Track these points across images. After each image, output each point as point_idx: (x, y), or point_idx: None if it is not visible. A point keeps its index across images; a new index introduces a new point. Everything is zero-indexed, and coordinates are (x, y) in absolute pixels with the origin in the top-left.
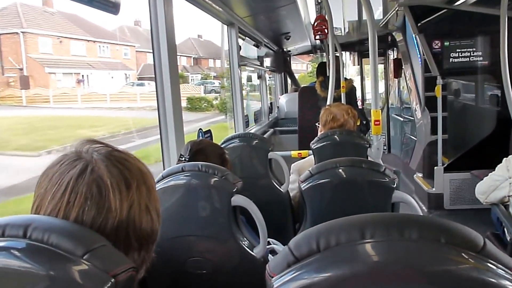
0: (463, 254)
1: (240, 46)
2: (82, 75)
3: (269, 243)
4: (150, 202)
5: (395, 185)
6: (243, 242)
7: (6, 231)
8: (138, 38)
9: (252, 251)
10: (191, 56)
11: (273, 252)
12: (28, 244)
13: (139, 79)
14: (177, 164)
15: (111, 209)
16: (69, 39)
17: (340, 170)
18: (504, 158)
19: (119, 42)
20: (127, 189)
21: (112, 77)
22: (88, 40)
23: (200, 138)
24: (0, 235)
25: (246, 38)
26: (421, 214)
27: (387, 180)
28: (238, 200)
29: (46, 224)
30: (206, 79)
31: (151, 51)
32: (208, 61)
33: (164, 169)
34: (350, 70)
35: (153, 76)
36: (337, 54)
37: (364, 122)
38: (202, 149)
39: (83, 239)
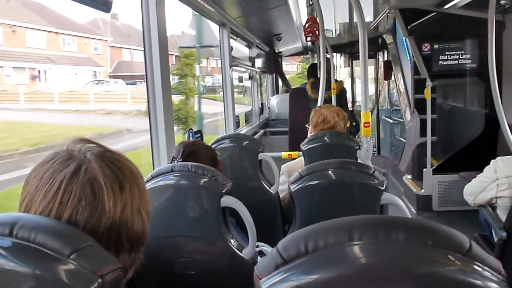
0: (449, 256)
1: (232, 47)
2: (39, 71)
3: (257, 246)
4: (142, 204)
5: (384, 187)
6: (232, 243)
7: None
8: (114, 33)
9: (241, 252)
10: (173, 54)
11: (262, 253)
12: (14, 242)
13: (112, 77)
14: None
15: (105, 210)
16: (25, 28)
17: (330, 172)
18: (492, 160)
19: (88, 35)
20: (120, 191)
21: (76, 74)
22: (50, 31)
23: (192, 139)
24: None
25: (238, 38)
26: (409, 216)
27: (376, 182)
28: (228, 201)
29: (32, 222)
30: None
31: (127, 46)
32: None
33: (153, 169)
34: (342, 72)
35: (128, 74)
36: (328, 56)
37: (354, 124)
38: (195, 152)
39: (70, 238)
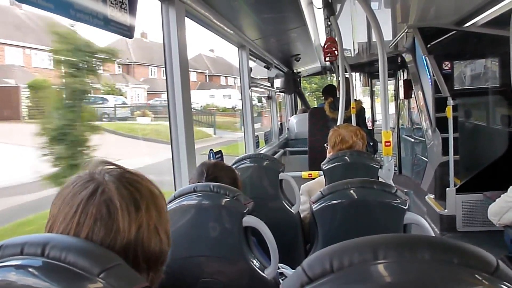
0: (476, 275)
1: (251, 68)
2: None
3: (278, 268)
4: (160, 224)
5: (406, 207)
6: (254, 263)
7: (24, 249)
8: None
9: (263, 272)
10: (204, 73)
11: (282, 275)
12: (46, 262)
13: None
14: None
15: (119, 230)
16: None
17: (352, 191)
18: None
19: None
20: (136, 211)
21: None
22: None
23: (211, 160)
24: (18, 253)
25: (257, 60)
26: (433, 235)
27: (399, 201)
28: (249, 220)
29: (63, 242)
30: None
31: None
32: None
33: (175, 190)
34: (357, 91)
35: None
36: (347, 76)
37: (371, 143)
38: (218, 177)
39: (99, 258)
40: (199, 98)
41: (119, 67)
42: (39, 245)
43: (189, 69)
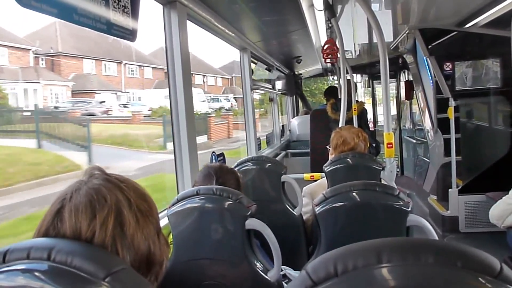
0: (480, 278)
1: (252, 70)
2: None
3: (281, 270)
4: (121, 237)
5: (409, 209)
6: (257, 266)
7: (31, 253)
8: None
9: (267, 275)
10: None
11: (285, 276)
12: (52, 266)
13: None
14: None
15: (67, 235)
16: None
17: (354, 194)
18: None
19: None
20: (90, 220)
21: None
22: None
23: (215, 163)
24: (25, 257)
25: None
26: (437, 238)
27: (402, 203)
28: (252, 223)
29: (69, 247)
30: None
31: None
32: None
33: (178, 193)
34: (359, 92)
35: None
36: (348, 77)
37: (374, 145)
38: (225, 182)
39: (105, 262)
40: (150, 99)
41: (41, 59)
42: (45, 249)
43: (145, 64)
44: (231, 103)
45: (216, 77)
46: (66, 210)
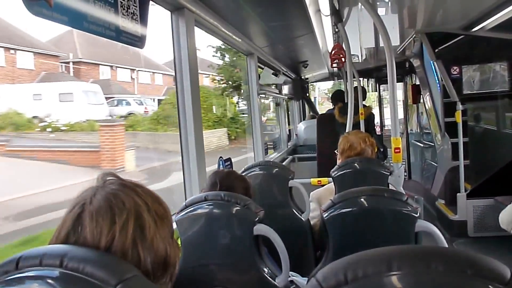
0: (490, 286)
1: (259, 75)
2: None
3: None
4: (142, 240)
5: (418, 214)
6: (265, 272)
7: (43, 260)
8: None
9: (275, 281)
10: None
11: (293, 283)
12: (64, 273)
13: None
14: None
15: (88, 244)
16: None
17: (362, 199)
18: None
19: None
20: (110, 224)
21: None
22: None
23: (224, 169)
24: (38, 264)
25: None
26: (446, 243)
27: (410, 209)
28: (261, 229)
29: (81, 254)
30: None
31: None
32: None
33: (186, 198)
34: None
35: None
36: (355, 81)
37: (381, 149)
38: (231, 187)
39: (116, 269)
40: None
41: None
42: (57, 257)
43: (156, 71)
44: (145, 108)
45: (154, 73)
46: (87, 215)
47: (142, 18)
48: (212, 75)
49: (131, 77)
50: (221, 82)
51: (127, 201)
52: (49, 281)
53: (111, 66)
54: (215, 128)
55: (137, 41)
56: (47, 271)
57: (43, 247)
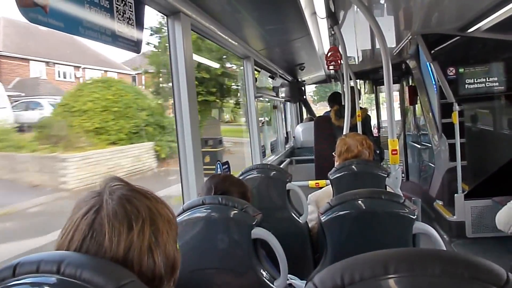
0: None
1: (256, 78)
2: None
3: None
4: (157, 245)
5: (415, 216)
6: (264, 275)
7: (40, 267)
8: None
9: (273, 284)
10: None
11: (291, 286)
12: (61, 279)
13: None
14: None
15: (106, 249)
16: None
17: (360, 202)
18: None
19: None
20: (128, 230)
21: None
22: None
23: (221, 174)
24: (35, 271)
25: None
26: (443, 245)
27: (407, 211)
28: (259, 232)
29: (78, 260)
30: None
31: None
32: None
33: (183, 202)
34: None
35: None
36: (352, 83)
37: (378, 151)
38: (227, 192)
39: (114, 275)
40: None
41: None
42: (54, 263)
43: (109, 69)
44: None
45: (106, 71)
46: (104, 221)
47: (138, 23)
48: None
49: (75, 75)
50: (154, 75)
51: (141, 207)
52: (46, 287)
53: (47, 62)
54: (132, 143)
55: (133, 45)
56: (44, 278)
57: (41, 254)
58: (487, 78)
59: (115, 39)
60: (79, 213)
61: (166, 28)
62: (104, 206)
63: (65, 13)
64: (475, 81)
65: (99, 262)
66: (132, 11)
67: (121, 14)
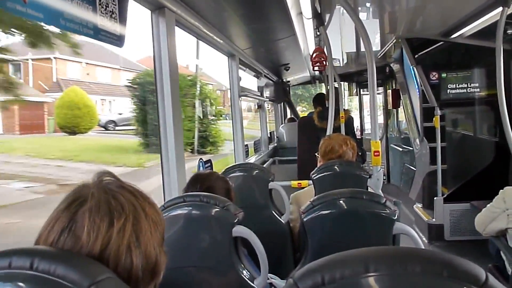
0: None
1: (240, 77)
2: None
3: (268, 278)
4: (138, 244)
5: (396, 217)
6: (244, 274)
7: (12, 262)
8: None
9: (253, 283)
10: None
11: (272, 285)
12: (35, 275)
13: None
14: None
15: (82, 244)
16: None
17: (341, 202)
18: (500, 190)
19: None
20: (108, 226)
21: None
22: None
23: (205, 170)
24: (7, 267)
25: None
26: (422, 246)
27: (388, 211)
28: (240, 230)
29: (52, 255)
30: None
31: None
32: None
33: (164, 200)
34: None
35: None
36: (336, 85)
37: (360, 153)
38: (211, 187)
39: (89, 271)
40: None
41: None
42: (27, 258)
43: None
44: None
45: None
46: (86, 214)
47: (121, 17)
48: None
49: None
50: None
51: (126, 205)
52: (19, 283)
53: None
54: None
55: (116, 39)
56: (16, 273)
57: (13, 249)
58: (468, 84)
59: (97, 32)
60: (63, 204)
61: None
62: (89, 200)
63: (45, 4)
64: (457, 86)
65: (74, 257)
66: (115, 5)
67: (104, 7)
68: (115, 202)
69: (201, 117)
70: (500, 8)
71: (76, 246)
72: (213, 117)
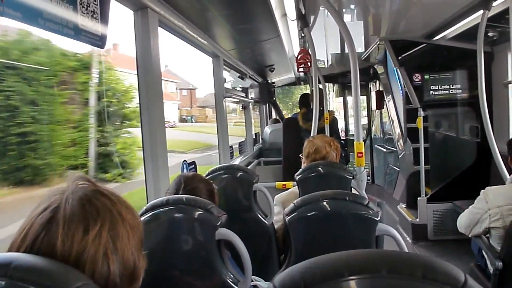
0: None
1: (225, 78)
2: None
3: (252, 281)
4: (115, 251)
5: (378, 218)
6: (227, 277)
7: None
8: None
9: (237, 286)
10: None
11: (256, 287)
12: (9, 283)
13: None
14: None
15: (58, 251)
16: None
17: (325, 203)
18: (482, 191)
19: None
20: (83, 233)
21: None
22: None
23: (189, 172)
24: None
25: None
26: (405, 247)
27: (371, 213)
28: (223, 233)
29: (27, 262)
30: None
31: None
32: None
33: (147, 202)
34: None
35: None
36: (321, 86)
37: (343, 154)
38: (195, 188)
39: (64, 277)
40: None
41: None
42: (1, 266)
43: None
44: None
45: None
46: (59, 221)
47: (103, 17)
48: None
49: None
50: None
51: (102, 210)
52: None
53: None
54: None
55: (98, 40)
56: None
57: None
58: (451, 85)
59: (78, 33)
60: (37, 211)
61: None
62: (63, 205)
63: (23, 2)
64: (440, 88)
65: (50, 264)
66: (96, 5)
67: (85, 7)
68: (90, 207)
69: (102, 122)
70: (481, 11)
71: (51, 254)
72: (124, 122)
